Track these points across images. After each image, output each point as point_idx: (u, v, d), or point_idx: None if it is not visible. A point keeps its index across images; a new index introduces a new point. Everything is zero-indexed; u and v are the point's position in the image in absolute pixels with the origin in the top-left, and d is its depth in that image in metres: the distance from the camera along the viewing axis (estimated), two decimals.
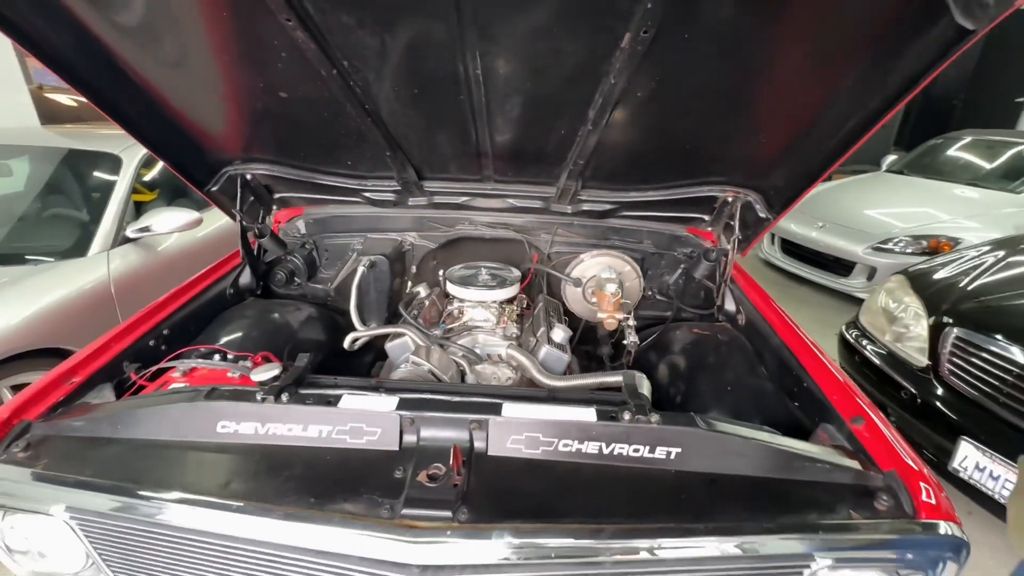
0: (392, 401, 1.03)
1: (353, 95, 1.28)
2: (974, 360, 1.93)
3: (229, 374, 1.25)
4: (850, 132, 1.21)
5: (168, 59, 1.24)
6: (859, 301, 4.22)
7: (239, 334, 1.56)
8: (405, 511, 0.86)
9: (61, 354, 2.08)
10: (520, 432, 1.00)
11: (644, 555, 0.85)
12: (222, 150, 1.60)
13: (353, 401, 1.04)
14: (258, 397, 1.03)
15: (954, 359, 1.99)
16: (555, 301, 1.85)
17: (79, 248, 2.29)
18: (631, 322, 1.57)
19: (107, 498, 0.91)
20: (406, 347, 1.51)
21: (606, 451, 0.99)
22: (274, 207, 1.90)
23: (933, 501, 0.93)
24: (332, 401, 1.03)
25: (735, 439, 1.00)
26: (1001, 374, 1.85)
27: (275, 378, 1.11)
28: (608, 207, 1.78)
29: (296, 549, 0.85)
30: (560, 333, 1.54)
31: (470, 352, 1.48)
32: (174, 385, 1.23)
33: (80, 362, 1.21)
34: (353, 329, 2.01)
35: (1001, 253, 2.44)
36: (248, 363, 1.28)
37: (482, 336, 1.61)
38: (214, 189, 1.66)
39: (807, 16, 1.00)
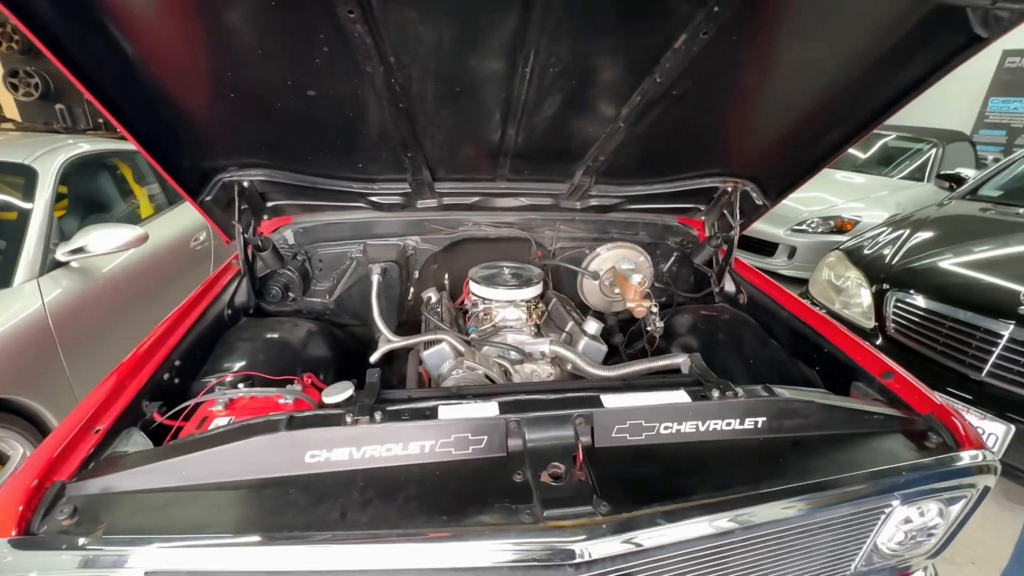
0: (492, 406, 1.01)
1: (391, 92, 1.22)
2: (913, 318, 2.28)
3: (281, 400, 1.13)
4: (853, 128, 1.37)
5: (182, 51, 1.10)
6: (785, 277, 4.77)
7: (245, 360, 1.42)
8: (548, 512, 0.85)
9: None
10: (624, 421, 1.02)
11: (768, 516, 0.91)
12: (218, 154, 1.43)
13: (452, 411, 0.99)
14: (348, 419, 0.95)
15: (896, 319, 2.33)
16: (564, 296, 1.89)
17: (1, 278, 1.92)
18: (654, 309, 1.65)
19: (202, 552, 0.79)
20: (444, 354, 1.46)
21: (702, 428, 1.05)
22: (264, 217, 1.74)
23: (968, 434, 1.10)
24: (430, 414, 0.98)
25: (806, 404, 1.10)
26: (936, 327, 2.20)
27: (350, 399, 1.03)
28: (614, 201, 1.85)
29: (445, 571, 0.80)
30: (594, 325, 1.58)
31: (518, 351, 1.47)
32: (217, 421, 1.09)
33: (98, 408, 1.03)
34: (356, 342, 1.91)
35: (908, 231, 2.88)
36: (297, 387, 1.17)
37: (512, 336, 1.61)
38: (208, 199, 1.48)
39: (834, 23, 1.13)
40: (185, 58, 1.12)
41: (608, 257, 1.86)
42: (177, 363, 1.27)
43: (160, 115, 1.21)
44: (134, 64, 1.07)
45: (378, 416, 0.96)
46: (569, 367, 1.54)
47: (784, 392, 1.12)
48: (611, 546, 0.82)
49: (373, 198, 1.71)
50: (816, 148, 1.50)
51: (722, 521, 0.88)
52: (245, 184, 1.52)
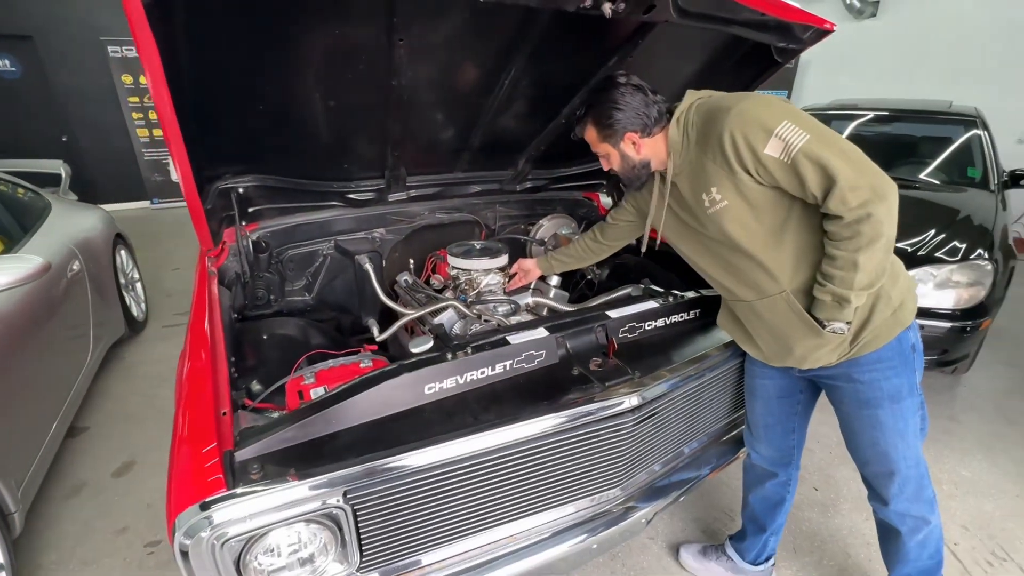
0: (541, 331, 1.38)
1: (400, 101, 1.47)
2: None
3: (362, 364, 1.33)
4: None
5: (235, 64, 1.21)
6: None
7: (261, 356, 1.54)
8: (608, 383, 1.27)
9: None
10: (625, 324, 1.49)
11: (719, 363, 1.48)
12: (226, 162, 1.49)
13: (516, 339, 1.34)
14: (449, 356, 1.23)
15: None
16: None
17: None
18: None
19: (382, 468, 1.02)
20: (453, 317, 1.76)
21: (668, 322, 1.57)
22: (243, 222, 1.78)
23: None
24: (503, 343, 1.32)
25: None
26: None
27: (431, 348, 1.30)
28: (544, 182, 2.31)
29: (555, 435, 1.17)
30: (555, 279, 2.03)
31: (513, 303, 1.84)
32: (314, 392, 1.25)
33: (205, 401, 1.12)
34: (338, 332, 2.06)
35: None
36: (367, 354, 1.38)
37: (491, 296, 1.96)
38: (208, 207, 1.52)
39: (690, 50, 1.72)
40: (236, 72, 1.23)
41: (550, 226, 2.31)
42: (232, 358, 1.35)
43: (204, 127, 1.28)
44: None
45: (469, 350, 1.26)
46: (545, 312, 1.97)
47: (704, 292, 1.70)
48: (647, 394, 1.28)
49: (351, 195, 1.88)
50: None
51: (695, 373, 1.41)
52: (241, 190, 1.59)
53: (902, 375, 1.20)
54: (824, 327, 1.14)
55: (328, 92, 1.38)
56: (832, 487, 2.20)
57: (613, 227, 1.67)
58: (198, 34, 1.13)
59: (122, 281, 3.38)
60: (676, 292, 1.64)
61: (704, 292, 1.69)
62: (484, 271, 1.97)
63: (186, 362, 1.28)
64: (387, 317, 2.13)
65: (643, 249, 1.56)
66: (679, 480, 1.51)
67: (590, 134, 1.32)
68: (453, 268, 2.01)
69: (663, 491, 1.48)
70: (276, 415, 1.19)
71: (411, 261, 2.18)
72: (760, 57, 1.69)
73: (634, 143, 1.27)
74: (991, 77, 5.49)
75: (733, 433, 1.70)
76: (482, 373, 1.26)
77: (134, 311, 3.52)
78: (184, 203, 1.36)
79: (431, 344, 1.30)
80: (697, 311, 1.62)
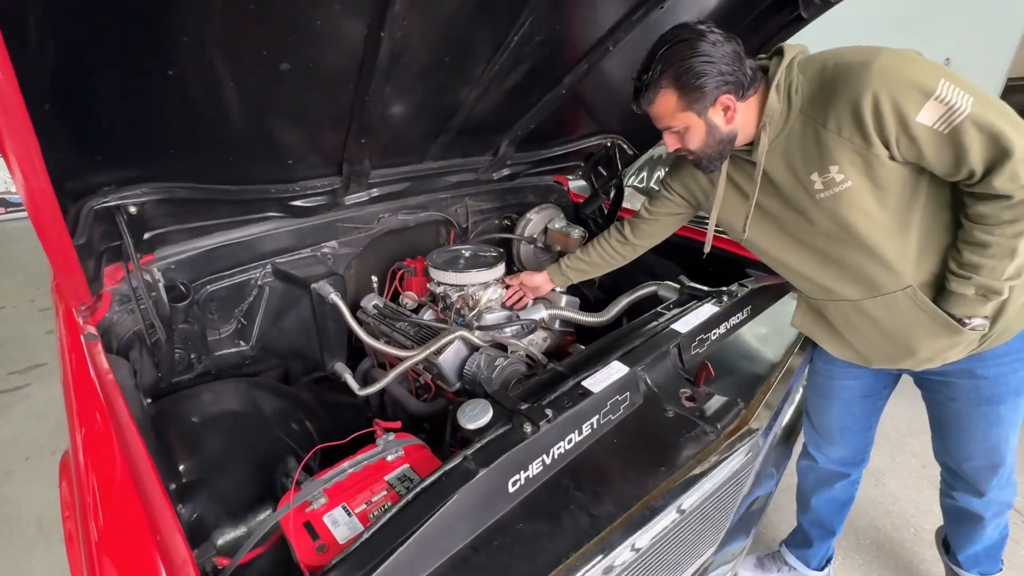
0: (617, 365, 1.06)
1: (380, 65, 1.02)
2: None
3: (390, 457, 0.91)
4: None
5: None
6: None
7: (200, 456, 1.05)
8: (720, 424, 1.00)
9: None
10: (694, 337, 1.23)
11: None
12: (100, 167, 0.92)
13: (595, 383, 1.01)
14: (527, 429, 0.87)
15: None
16: None
17: None
18: None
19: None
20: (460, 350, 1.37)
21: (729, 327, 1.34)
22: (137, 254, 1.18)
23: None
24: (581, 392, 0.98)
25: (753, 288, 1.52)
26: None
27: (491, 423, 0.92)
28: (523, 168, 1.94)
29: (688, 495, 0.88)
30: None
31: (528, 324, 1.48)
32: (331, 518, 0.81)
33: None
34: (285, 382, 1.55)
35: None
36: (391, 435, 0.95)
37: (498, 314, 1.59)
38: (80, 242, 0.94)
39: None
40: (118, 24, 0.70)
41: (538, 220, 1.96)
42: (172, 487, 0.85)
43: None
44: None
45: (550, 413, 0.90)
46: (557, 324, 1.64)
47: (747, 283, 1.50)
48: (762, 424, 1.04)
49: (295, 202, 1.37)
50: None
51: (785, 388, 1.20)
52: (132, 209, 1.02)
53: None
54: (964, 325, 0.97)
55: (273, 54, 0.89)
56: None
57: (651, 222, 1.38)
58: None
59: None
60: (727, 288, 1.41)
61: (747, 283, 1.49)
62: (482, 285, 1.58)
63: (81, 498, 0.76)
64: (357, 357, 1.66)
65: (707, 248, 1.29)
66: (758, 507, 1.31)
67: (665, 102, 0.99)
68: (440, 284, 1.59)
69: (745, 525, 1.27)
70: None
71: (374, 279, 1.71)
72: (784, 11, 1.48)
73: (727, 109, 0.98)
74: None
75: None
76: (569, 442, 0.92)
77: None
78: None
79: (490, 413, 0.91)
80: (748, 308, 1.42)
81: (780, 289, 1.54)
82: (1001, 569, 1.40)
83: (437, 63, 1.11)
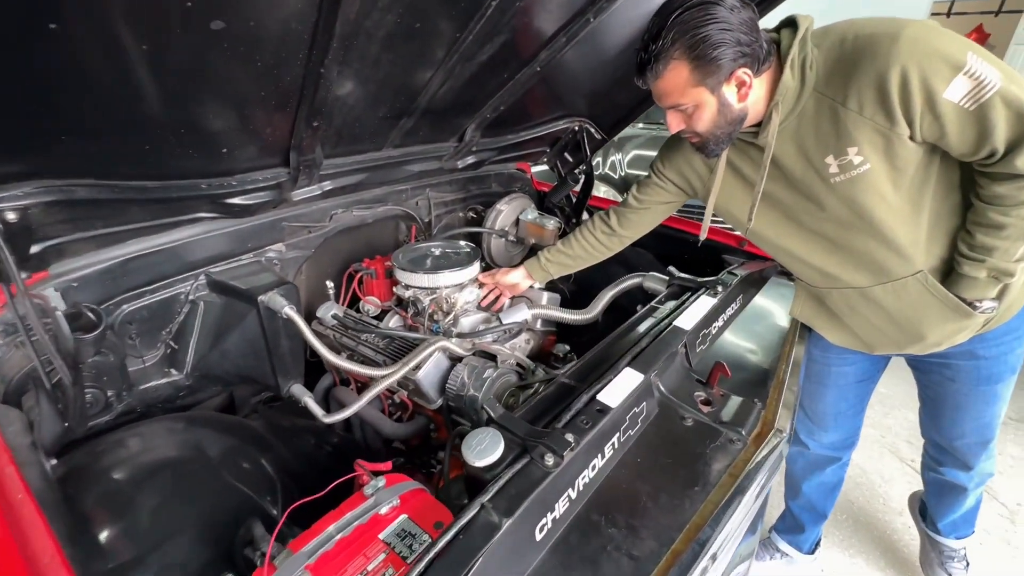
0: (635, 373, 0.95)
1: (327, 47, 0.83)
2: None
3: (383, 511, 0.74)
4: None
5: None
6: None
7: (133, 525, 0.84)
8: (743, 429, 0.92)
9: None
10: (698, 334, 1.15)
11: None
12: None
13: (609, 395, 0.89)
14: (549, 462, 0.74)
15: None
16: None
17: None
18: None
19: None
20: (441, 362, 1.21)
21: (725, 318, 1.28)
22: (22, 274, 0.91)
23: None
24: (597, 408, 0.86)
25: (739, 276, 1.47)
26: None
27: (503, 456, 0.78)
28: (488, 155, 1.79)
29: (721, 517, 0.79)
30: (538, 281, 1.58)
31: (513, 328, 1.34)
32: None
33: None
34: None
35: None
36: (380, 481, 0.79)
37: (474, 316, 1.44)
38: None
39: None
40: None
41: (509, 211, 1.82)
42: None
43: None
44: None
45: (571, 439, 0.78)
46: (539, 324, 1.52)
47: (737, 272, 1.44)
48: (783, 423, 0.97)
49: (232, 199, 1.14)
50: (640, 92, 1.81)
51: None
52: (11, 216, 0.77)
53: None
54: (975, 308, 0.95)
55: (202, 5, 0.68)
56: None
57: (640, 211, 1.28)
58: None
59: None
60: (718, 278, 1.35)
61: (736, 271, 1.43)
62: (457, 286, 1.42)
63: None
64: (312, 372, 1.45)
65: (702, 237, 1.21)
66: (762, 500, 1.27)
67: (675, 76, 0.88)
68: (408, 287, 1.41)
69: (754, 523, 1.22)
70: None
71: (329, 284, 1.50)
72: None
73: (741, 85, 0.88)
74: None
75: None
76: (593, 469, 0.80)
77: None
78: None
79: (502, 445, 0.77)
80: (740, 297, 1.36)
81: (761, 277, 1.51)
82: (974, 531, 1.46)
83: (407, 30, 0.93)
